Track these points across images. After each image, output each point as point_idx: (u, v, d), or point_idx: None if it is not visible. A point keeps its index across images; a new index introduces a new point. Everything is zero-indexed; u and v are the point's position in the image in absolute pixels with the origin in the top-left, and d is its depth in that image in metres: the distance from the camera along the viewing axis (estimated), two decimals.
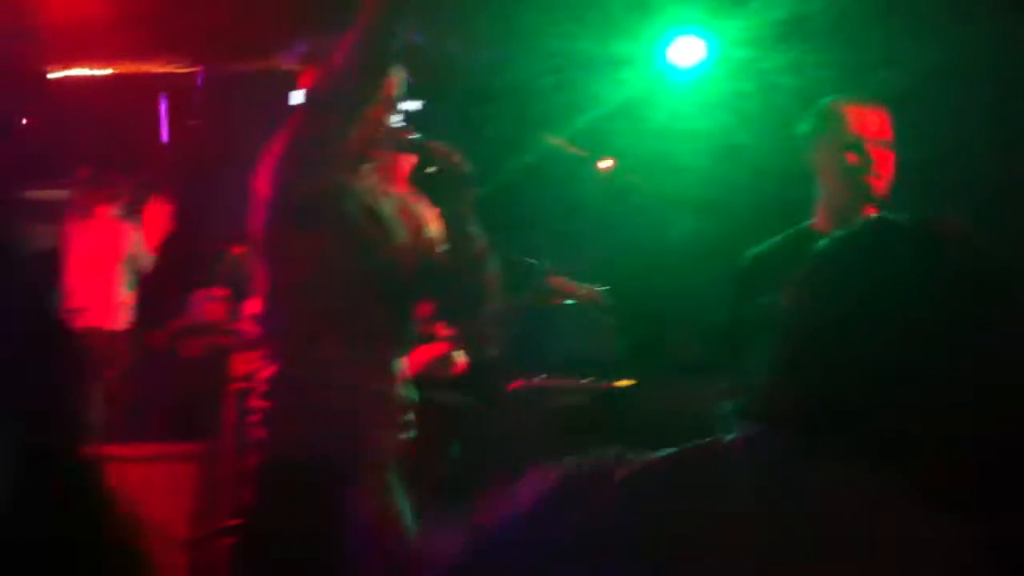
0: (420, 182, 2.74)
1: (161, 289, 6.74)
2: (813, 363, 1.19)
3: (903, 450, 1.14)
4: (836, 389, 1.17)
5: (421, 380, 2.90)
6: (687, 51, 5.52)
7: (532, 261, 4.72)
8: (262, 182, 2.66)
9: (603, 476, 1.23)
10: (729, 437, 1.22)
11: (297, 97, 2.81)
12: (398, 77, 2.74)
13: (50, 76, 5.93)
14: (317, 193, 2.62)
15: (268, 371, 2.66)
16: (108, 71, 6.16)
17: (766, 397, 1.23)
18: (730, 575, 1.13)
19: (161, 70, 6.21)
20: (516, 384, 5.65)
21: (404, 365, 2.78)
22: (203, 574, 4.95)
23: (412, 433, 2.77)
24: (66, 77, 6.00)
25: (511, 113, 5.98)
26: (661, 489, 1.19)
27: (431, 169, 2.71)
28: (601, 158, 7.20)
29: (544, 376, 5.85)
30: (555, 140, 6.74)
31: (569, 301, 4.82)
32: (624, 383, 5.97)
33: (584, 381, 5.85)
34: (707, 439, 1.24)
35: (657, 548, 1.15)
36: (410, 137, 2.72)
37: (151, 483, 5.11)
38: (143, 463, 5.21)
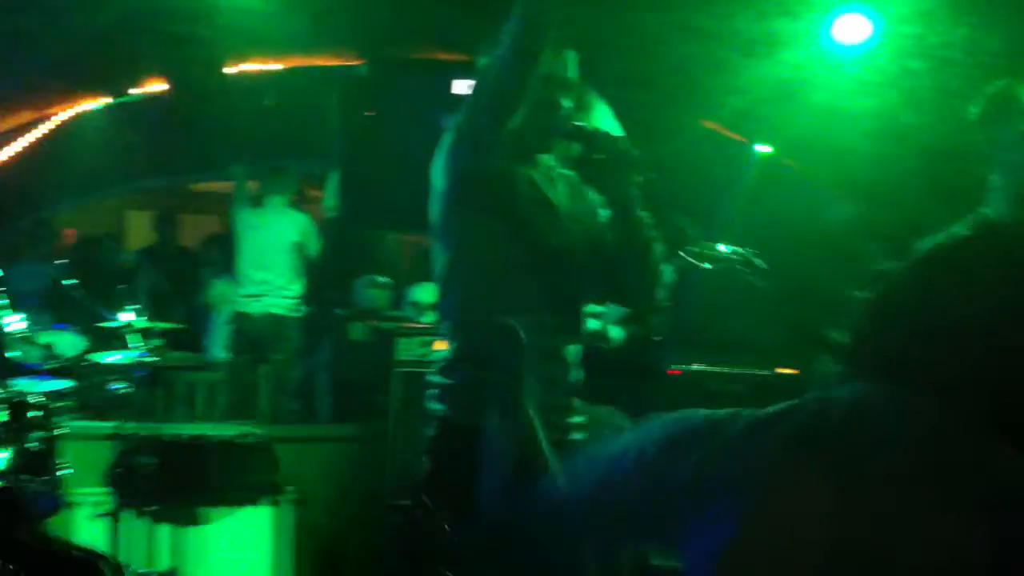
0: (588, 168, 2.76)
1: (328, 275, 6.94)
2: (938, 342, 1.30)
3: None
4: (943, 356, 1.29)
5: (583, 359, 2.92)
6: (852, 28, 5.34)
7: (682, 226, 4.67)
8: (436, 169, 2.73)
9: (718, 426, 1.35)
10: (834, 393, 1.34)
11: (460, 86, 2.87)
12: (568, 64, 2.76)
13: (225, 71, 6.15)
14: (488, 179, 2.68)
15: (444, 349, 2.74)
16: (278, 66, 6.37)
17: (875, 357, 1.35)
18: (824, 517, 1.22)
19: (330, 63, 6.38)
20: (674, 371, 5.62)
21: (575, 350, 2.80)
22: (372, 550, 5.10)
23: (580, 417, 2.80)
24: (239, 72, 6.23)
25: (666, 97, 5.92)
26: (770, 439, 1.30)
27: (598, 155, 2.73)
28: (758, 142, 7.09)
29: (701, 363, 5.80)
30: (710, 124, 6.66)
31: (718, 264, 4.75)
32: (785, 372, 5.88)
33: (743, 369, 5.79)
34: (812, 395, 1.37)
35: (762, 490, 1.26)
36: (578, 123, 2.74)
37: (319, 463, 5.29)
38: (311, 443, 5.40)
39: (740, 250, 4.73)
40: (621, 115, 2.90)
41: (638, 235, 2.75)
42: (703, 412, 1.40)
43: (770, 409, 1.36)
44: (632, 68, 5.19)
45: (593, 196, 2.84)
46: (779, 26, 5.15)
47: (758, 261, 4.81)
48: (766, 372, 5.86)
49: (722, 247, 4.68)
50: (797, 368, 5.88)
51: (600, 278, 2.85)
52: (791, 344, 6.14)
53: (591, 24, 4.72)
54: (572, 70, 2.78)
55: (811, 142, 6.15)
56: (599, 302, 3.00)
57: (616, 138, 2.72)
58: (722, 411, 1.39)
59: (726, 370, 5.80)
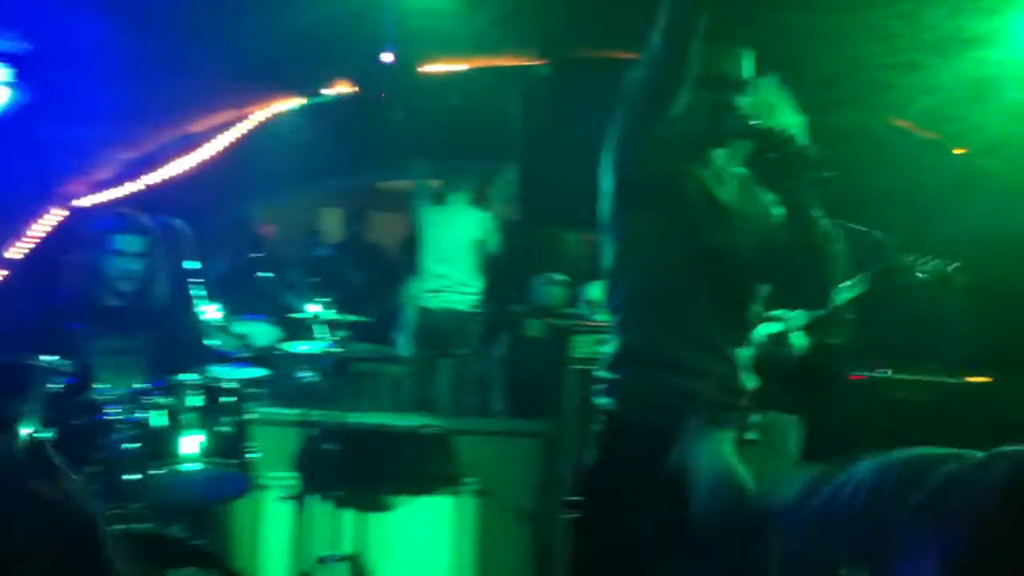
0: (762, 166, 2.73)
1: (507, 272, 7.04)
2: None
3: None
4: None
5: (760, 365, 2.88)
6: None
7: (878, 235, 4.52)
8: (603, 167, 2.76)
9: (933, 465, 1.32)
10: None
11: None
12: (743, 63, 2.74)
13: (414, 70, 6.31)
14: (654, 177, 2.68)
15: (611, 345, 2.76)
16: (462, 66, 6.49)
17: None
18: None
19: (512, 63, 6.47)
20: (856, 376, 5.47)
21: (743, 350, 2.78)
22: (545, 545, 5.16)
23: (752, 416, 2.77)
24: (425, 72, 6.38)
25: (851, 96, 5.78)
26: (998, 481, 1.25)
27: (771, 154, 2.69)
28: (954, 142, 6.83)
29: (888, 368, 5.63)
30: (901, 123, 6.45)
31: (919, 277, 4.57)
32: (977, 380, 5.64)
33: (932, 376, 5.58)
34: None
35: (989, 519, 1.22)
36: (752, 123, 2.71)
37: (496, 457, 5.38)
38: (489, 437, 5.49)
39: (940, 265, 4.57)
40: (810, 114, 2.84)
41: (812, 235, 2.69)
42: (924, 451, 1.38)
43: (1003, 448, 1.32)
44: (816, 68, 5.09)
45: (766, 195, 2.80)
46: (973, 23, 4.97)
47: (958, 276, 4.64)
48: (955, 380, 5.64)
49: (922, 263, 4.53)
50: (990, 377, 5.64)
51: (771, 278, 2.82)
52: (984, 352, 5.89)
53: (773, 25, 4.65)
54: (747, 69, 2.75)
55: (1009, 142, 5.89)
56: (771, 304, 2.96)
57: (790, 136, 2.67)
58: (941, 450, 1.37)
59: (912, 377, 5.60)
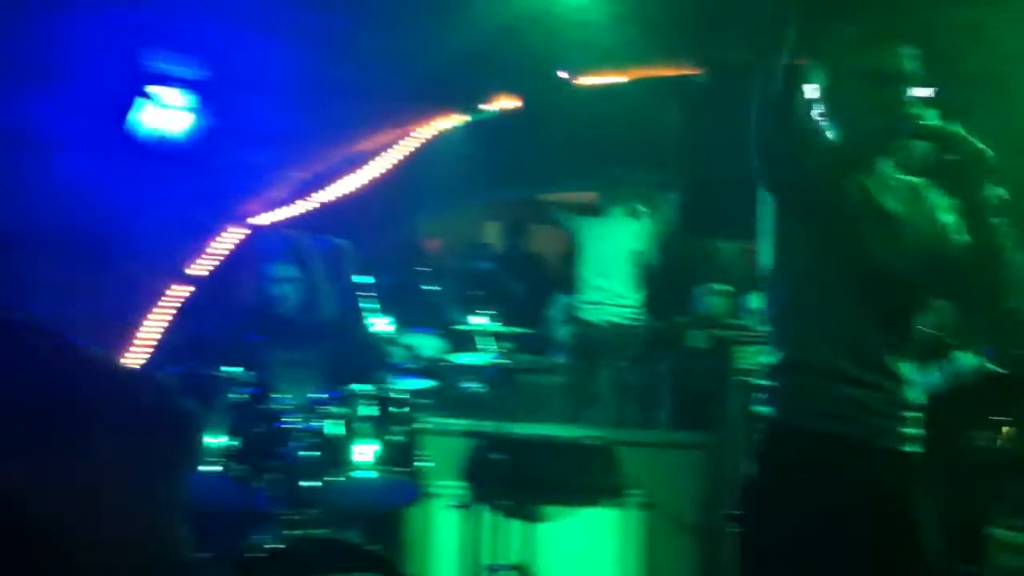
0: (937, 170, 2.65)
1: (668, 283, 7.01)
2: None
3: None
4: None
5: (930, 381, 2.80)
6: None
7: None
8: (758, 174, 2.73)
9: None
10: None
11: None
12: (904, 59, 2.66)
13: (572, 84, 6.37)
14: (809, 186, 2.63)
15: (771, 354, 2.73)
16: (620, 78, 6.52)
17: None
18: None
19: (669, 73, 6.46)
20: None
21: (907, 363, 2.69)
22: (711, 558, 5.12)
23: (914, 430, 2.70)
24: (583, 85, 6.43)
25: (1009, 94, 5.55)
26: None
27: (950, 156, 2.61)
28: None
29: None
30: None
31: None
32: None
33: None
34: None
35: None
36: (926, 123, 2.62)
37: (660, 469, 5.37)
38: (653, 449, 5.48)
39: None
40: (962, 116, 2.75)
41: (988, 243, 2.59)
42: None
43: None
44: (971, 66, 4.91)
45: (939, 201, 2.71)
46: None
47: None
48: None
49: None
50: None
51: (944, 292, 2.73)
52: None
53: (924, 22, 4.52)
54: (910, 65, 2.66)
55: None
56: (942, 315, 2.87)
57: (968, 138, 2.58)
58: None
59: None
